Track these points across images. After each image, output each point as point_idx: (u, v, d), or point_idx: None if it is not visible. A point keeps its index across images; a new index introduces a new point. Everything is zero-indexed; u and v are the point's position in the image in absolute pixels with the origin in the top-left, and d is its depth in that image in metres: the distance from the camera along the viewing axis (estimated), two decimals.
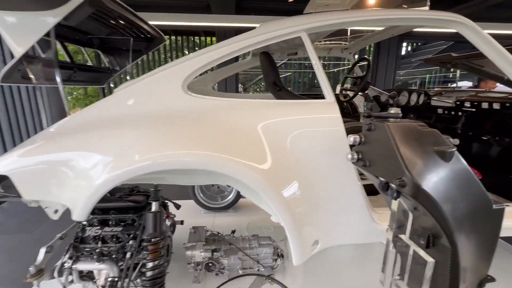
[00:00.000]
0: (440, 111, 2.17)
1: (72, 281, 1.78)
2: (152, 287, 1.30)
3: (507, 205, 1.50)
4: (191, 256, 1.99)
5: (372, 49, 6.62)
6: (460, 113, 1.96)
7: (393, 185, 0.69)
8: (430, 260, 0.74)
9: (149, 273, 1.29)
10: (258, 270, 2.13)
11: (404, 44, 7.81)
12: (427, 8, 2.28)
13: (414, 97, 2.35)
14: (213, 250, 1.97)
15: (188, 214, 3.36)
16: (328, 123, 1.21)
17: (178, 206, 2.39)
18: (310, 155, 1.22)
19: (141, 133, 1.10)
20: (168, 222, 2.16)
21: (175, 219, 2.49)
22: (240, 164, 1.06)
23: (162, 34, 2.38)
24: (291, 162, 1.18)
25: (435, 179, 0.65)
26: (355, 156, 0.85)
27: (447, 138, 0.74)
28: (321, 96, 1.30)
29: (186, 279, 2.26)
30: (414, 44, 8.53)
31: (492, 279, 0.92)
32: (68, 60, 1.85)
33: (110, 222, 1.85)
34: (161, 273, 1.37)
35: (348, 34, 2.61)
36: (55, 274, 1.62)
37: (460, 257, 0.69)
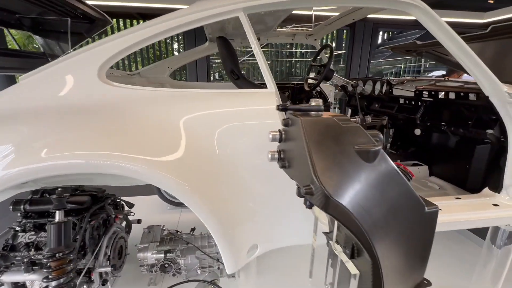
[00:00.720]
0: (402, 100, 2.13)
1: None
2: None
3: (458, 197, 1.49)
4: (143, 258, 1.85)
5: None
6: (419, 103, 1.93)
7: None
8: (354, 272, 0.66)
9: None
10: (218, 268, 2.05)
11: (381, 33, 7.83)
12: None
13: (378, 86, 2.30)
14: (166, 251, 1.84)
15: (152, 211, 3.19)
16: (264, 115, 1.09)
17: (131, 205, 2.23)
18: (241, 151, 1.10)
19: (37, 129, 0.93)
20: (118, 223, 2.00)
21: (134, 217, 2.34)
22: (147, 165, 0.93)
23: (106, 15, 2.13)
24: (218, 160, 1.06)
25: (353, 186, 0.55)
26: (276, 156, 0.74)
27: (376, 134, 0.64)
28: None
29: (142, 281, 2.14)
30: (390, 32, 8.57)
31: (428, 283, 0.86)
32: None
33: (47, 226, 1.67)
34: None
35: (313, 19, 2.50)
36: None
37: (382, 269, 0.62)
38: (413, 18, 1.37)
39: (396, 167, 0.64)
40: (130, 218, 2.30)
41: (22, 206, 1.62)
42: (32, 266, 1.43)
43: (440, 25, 1.29)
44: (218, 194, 1.05)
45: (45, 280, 1.06)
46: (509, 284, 1.73)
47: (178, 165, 0.98)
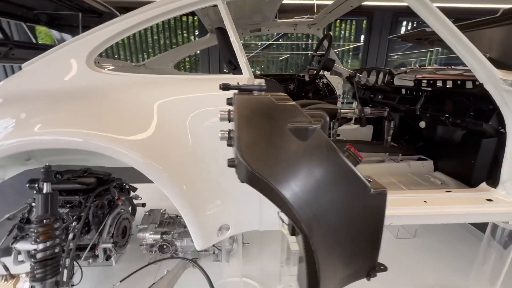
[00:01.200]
0: (403, 91, 2.04)
1: (22, 261, 1.81)
2: (43, 272, 1.21)
3: (449, 191, 1.42)
4: (142, 238, 1.99)
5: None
6: (420, 93, 1.83)
7: None
8: (293, 248, 0.68)
9: (39, 255, 1.20)
10: (214, 252, 2.14)
11: (404, 22, 7.39)
12: None
13: (381, 76, 2.21)
14: (162, 233, 1.96)
15: (160, 197, 3.34)
16: None
17: (134, 189, 2.38)
18: (212, 134, 1.14)
19: (33, 109, 1.05)
20: (120, 204, 2.14)
21: (141, 201, 2.49)
22: (115, 142, 1.00)
23: (113, 9, 2.25)
24: (189, 142, 1.11)
25: (281, 160, 0.57)
26: (226, 135, 0.77)
27: (320, 115, 0.65)
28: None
29: (142, 260, 2.28)
30: (415, 22, 8.04)
31: (384, 268, 0.86)
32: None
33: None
34: (53, 255, 1.26)
35: (315, 9, 2.44)
36: None
37: (319, 248, 0.63)
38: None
39: (335, 147, 0.65)
40: (136, 202, 2.46)
41: (37, 185, 1.81)
42: None
43: (429, 9, 1.22)
44: (187, 174, 1.11)
45: (33, 242, 1.19)
46: (508, 281, 1.63)
47: (149, 145, 1.05)
